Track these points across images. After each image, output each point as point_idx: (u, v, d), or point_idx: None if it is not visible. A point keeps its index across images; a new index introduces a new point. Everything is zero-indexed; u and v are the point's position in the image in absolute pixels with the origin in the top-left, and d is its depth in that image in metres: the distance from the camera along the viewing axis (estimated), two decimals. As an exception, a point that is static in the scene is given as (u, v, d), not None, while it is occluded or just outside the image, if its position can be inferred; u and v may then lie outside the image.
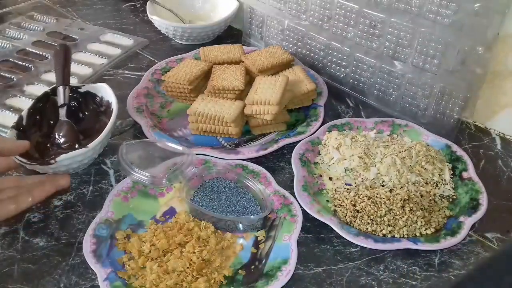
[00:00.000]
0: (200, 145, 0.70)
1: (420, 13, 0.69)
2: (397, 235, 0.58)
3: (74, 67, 0.81)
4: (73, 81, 0.80)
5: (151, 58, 0.93)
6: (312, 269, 0.55)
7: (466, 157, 0.67)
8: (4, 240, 0.57)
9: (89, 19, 1.06)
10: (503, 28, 0.64)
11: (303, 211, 0.59)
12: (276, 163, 0.69)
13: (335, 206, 0.62)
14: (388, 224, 0.58)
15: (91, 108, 0.72)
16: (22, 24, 1.02)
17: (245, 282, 0.53)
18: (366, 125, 0.74)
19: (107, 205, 0.60)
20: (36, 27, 1.01)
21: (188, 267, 0.53)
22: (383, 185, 0.64)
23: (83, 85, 0.72)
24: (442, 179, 0.65)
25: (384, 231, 0.58)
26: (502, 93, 0.72)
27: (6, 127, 0.71)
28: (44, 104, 0.70)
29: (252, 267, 0.55)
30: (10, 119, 0.73)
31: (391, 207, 0.59)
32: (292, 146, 0.69)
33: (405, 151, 0.66)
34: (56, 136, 0.67)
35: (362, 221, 0.59)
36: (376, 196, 0.60)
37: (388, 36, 0.74)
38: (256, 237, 0.58)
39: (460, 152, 0.68)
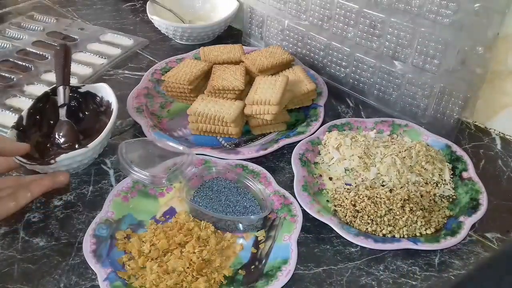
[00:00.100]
0: (200, 145, 0.70)
1: (420, 13, 0.69)
2: (397, 235, 0.58)
3: (74, 67, 0.81)
4: (73, 81, 0.80)
5: (151, 58, 0.93)
6: (312, 269, 0.55)
7: (466, 157, 0.67)
8: (4, 240, 0.57)
9: (89, 19, 1.06)
10: (503, 28, 0.63)
11: (303, 211, 0.59)
12: (276, 163, 0.69)
13: (335, 206, 0.62)
14: (388, 224, 0.58)
15: (91, 108, 0.72)
16: (22, 24, 1.02)
17: (245, 282, 0.53)
18: (366, 125, 0.74)
19: (107, 205, 0.60)
20: (36, 27, 1.01)
21: (188, 267, 0.53)
22: (383, 185, 0.64)
23: (83, 85, 0.72)
24: (442, 179, 0.65)
25: (384, 231, 0.58)
26: (502, 93, 0.72)
27: (6, 127, 0.71)
28: (44, 104, 0.70)
29: (252, 267, 0.55)
30: (10, 119, 0.73)
31: (391, 207, 0.59)
32: (292, 146, 0.69)
33: (405, 151, 0.66)
34: (56, 136, 0.67)
35: (362, 221, 0.59)
36: (376, 196, 0.60)
37: (388, 36, 0.74)
38: (256, 237, 0.58)
39: (460, 152, 0.68)
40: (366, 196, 0.61)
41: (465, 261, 0.56)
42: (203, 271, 0.53)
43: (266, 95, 0.70)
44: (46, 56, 0.92)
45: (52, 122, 0.69)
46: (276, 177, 0.65)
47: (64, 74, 0.70)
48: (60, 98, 0.69)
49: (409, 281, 0.54)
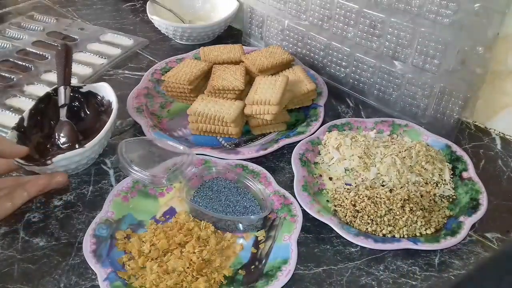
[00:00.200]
0: (200, 145, 0.70)
1: (420, 13, 0.69)
2: (397, 235, 0.58)
3: (74, 67, 0.81)
4: (73, 81, 0.80)
5: (151, 58, 0.93)
6: (312, 269, 0.55)
7: (466, 157, 0.67)
8: (4, 240, 0.57)
9: (89, 19, 1.06)
10: (503, 28, 0.63)
11: (303, 211, 0.59)
12: (276, 163, 0.69)
13: (335, 206, 0.62)
14: (388, 224, 0.58)
15: (92, 108, 0.72)
16: (22, 24, 1.02)
17: (245, 282, 0.53)
18: (366, 125, 0.74)
19: (107, 205, 0.60)
20: (36, 27, 1.01)
21: (188, 267, 0.53)
22: (383, 185, 0.64)
23: (85, 85, 0.72)
24: (442, 179, 0.65)
25: (384, 231, 0.58)
26: (502, 93, 0.72)
27: (6, 127, 0.71)
28: (46, 105, 0.70)
29: (252, 267, 0.55)
30: (10, 119, 0.73)
31: (391, 207, 0.59)
32: (292, 146, 0.69)
33: (405, 151, 0.66)
34: (56, 137, 0.67)
35: (362, 221, 0.59)
36: (376, 196, 0.60)
37: (388, 36, 0.74)
38: (256, 237, 0.58)
39: (460, 152, 0.68)
40: (366, 196, 0.61)
41: (465, 261, 0.56)
42: (203, 271, 0.53)
43: (266, 95, 0.70)
44: (46, 56, 0.92)
45: (53, 122, 0.69)
46: (276, 177, 0.65)
47: (65, 74, 0.70)
48: (61, 99, 0.69)
49: (409, 281, 0.54)
